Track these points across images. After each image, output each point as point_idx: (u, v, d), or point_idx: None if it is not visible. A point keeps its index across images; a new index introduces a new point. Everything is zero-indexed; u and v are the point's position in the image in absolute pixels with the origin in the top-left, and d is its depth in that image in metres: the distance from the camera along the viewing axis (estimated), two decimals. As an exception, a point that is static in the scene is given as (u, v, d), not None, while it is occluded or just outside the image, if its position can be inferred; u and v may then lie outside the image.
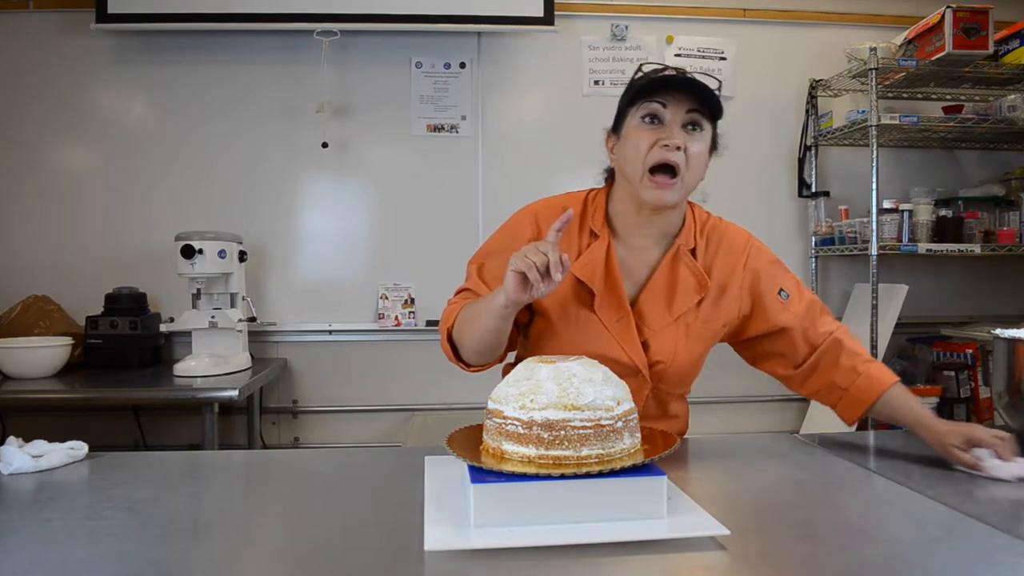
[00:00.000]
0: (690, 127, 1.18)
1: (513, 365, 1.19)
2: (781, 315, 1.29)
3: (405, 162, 2.82)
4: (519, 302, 1.05)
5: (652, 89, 1.17)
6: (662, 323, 1.24)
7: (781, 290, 1.30)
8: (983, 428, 1.11)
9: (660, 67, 1.21)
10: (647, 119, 1.18)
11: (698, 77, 1.18)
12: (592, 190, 1.34)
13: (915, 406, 1.20)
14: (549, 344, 1.25)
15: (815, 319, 1.29)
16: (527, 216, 1.30)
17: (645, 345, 1.23)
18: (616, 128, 1.26)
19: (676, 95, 1.16)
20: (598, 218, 1.27)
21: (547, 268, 1.00)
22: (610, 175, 1.34)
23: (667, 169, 1.16)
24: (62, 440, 1.15)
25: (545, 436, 0.84)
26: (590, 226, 1.27)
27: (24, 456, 1.07)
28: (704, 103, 1.17)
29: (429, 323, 2.76)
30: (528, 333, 1.31)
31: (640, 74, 1.22)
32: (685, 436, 1.40)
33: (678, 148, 1.15)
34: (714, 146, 1.24)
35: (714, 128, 1.23)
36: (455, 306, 1.24)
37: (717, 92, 1.19)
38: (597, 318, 1.22)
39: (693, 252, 1.27)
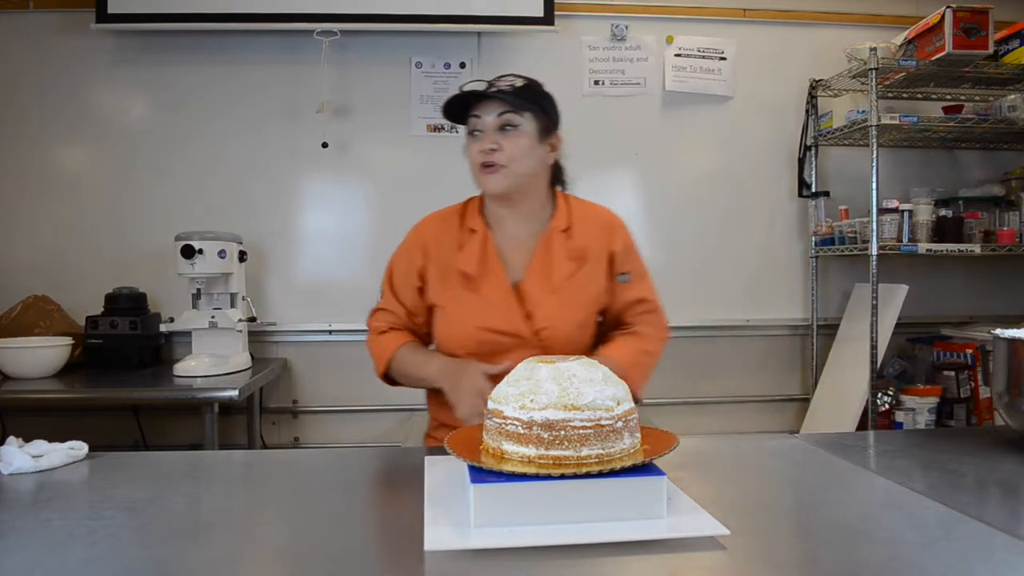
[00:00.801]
0: (505, 128, 1.35)
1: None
2: (617, 296, 1.46)
3: (405, 162, 2.82)
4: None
5: (465, 107, 1.37)
6: (542, 295, 1.39)
7: (624, 274, 1.46)
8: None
9: (478, 81, 1.39)
10: (472, 133, 1.38)
11: (505, 84, 1.36)
12: (471, 197, 1.51)
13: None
14: (447, 328, 1.43)
15: (636, 315, 1.47)
16: (413, 233, 1.50)
17: (530, 316, 1.38)
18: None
19: (486, 105, 1.36)
20: (473, 216, 1.46)
21: None
22: None
23: (488, 165, 1.35)
24: (62, 440, 1.15)
25: (545, 436, 0.84)
26: (469, 225, 1.44)
27: (24, 456, 1.07)
28: (513, 104, 1.35)
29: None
30: (432, 325, 1.49)
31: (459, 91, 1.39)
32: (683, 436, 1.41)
33: (491, 150, 1.34)
34: (546, 132, 1.40)
35: (538, 118, 1.38)
36: (386, 342, 1.45)
37: (512, 88, 1.36)
38: (481, 298, 1.39)
39: (568, 233, 1.43)
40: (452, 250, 1.42)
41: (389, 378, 1.47)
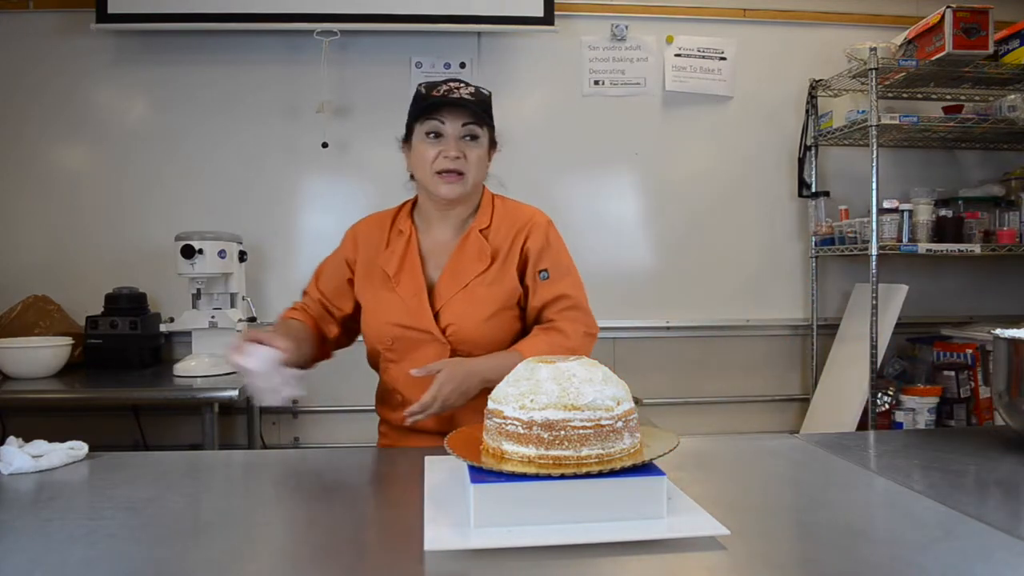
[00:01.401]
0: (467, 138, 1.39)
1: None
2: (537, 293, 1.45)
3: (404, 162, 2.81)
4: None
5: (432, 108, 1.36)
6: (451, 293, 1.41)
7: (544, 271, 1.46)
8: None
9: (438, 83, 1.39)
10: (430, 135, 1.38)
11: (468, 93, 1.37)
12: (407, 200, 1.55)
13: (478, 359, 1.37)
14: (367, 324, 1.47)
15: (557, 311, 1.45)
16: (350, 231, 1.55)
17: (438, 314, 1.40)
18: (407, 138, 1.46)
19: (452, 112, 1.36)
20: (403, 218, 1.50)
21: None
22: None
23: (453, 172, 1.38)
24: (62, 440, 1.15)
25: (545, 436, 0.84)
26: (398, 227, 1.49)
27: (24, 456, 1.07)
28: (477, 115, 1.38)
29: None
30: (357, 320, 1.52)
31: (422, 92, 1.41)
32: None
33: (457, 158, 1.37)
34: (492, 146, 1.46)
35: (491, 131, 1.43)
36: (285, 313, 1.55)
37: (478, 98, 1.38)
38: (397, 296, 1.42)
39: (486, 232, 1.46)
40: (379, 249, 1.47)
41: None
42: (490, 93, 1.45)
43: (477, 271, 1.42)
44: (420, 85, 1.42)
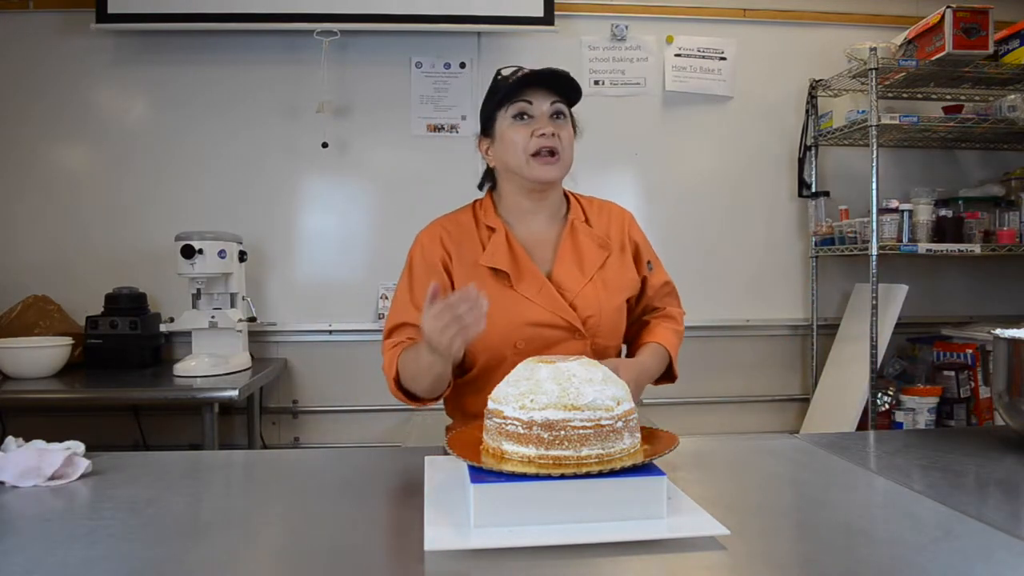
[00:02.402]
0: (555, 116, 1.33)
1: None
2: (648, 284, 1.48)
3: (405, 162, 2.82)
4: (457, 355, 1.11)
5: (518, 89, 1.30)
6: (579, 284, 1.35)
7: (649, 262, 1.49)
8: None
9: (516, 68, 1.34)
10: (518, 117, 1.32)
11: (555, 68, 1.31)
12: (476, 200, 1.47)
13: (643, 358, 1.39)
14: (488, 329, 1.17)
15: (663, 297, 1.51)
16: (425, 237, 1.40)
17: (572, 306, 1.33)
18: (487, 132, 1.39)
19: (539, 91, 1.31)
20: (490, 215, 1.40)
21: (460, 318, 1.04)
22: (487, 182, 1.48)
23: (548, 152, 1.31)
24: (61, 440, 1.15)
25: (545, 436, 0.84)
26: (486, 224, 1.39)
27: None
28: (563, 94, 1.33)
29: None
30: None
31: (501, 77, 1.36)
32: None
33: (552, 135, 1.30)
34: (574, 128, 1.40)
35: (573, 115, 1.39)
36: (392, 354, 1.31)
37: (566, 75, 1.32)
38: (519, 295, 1.32)
39: (588, 224, 1.43)
40: (475, 250, 1.36)
41: (405, 390, 1.31)
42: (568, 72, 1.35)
43: (599, 262, 1.38)
44: (498, 72, 1.37)
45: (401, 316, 1.34)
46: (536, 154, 1.30)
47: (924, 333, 2.95)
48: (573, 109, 1.39)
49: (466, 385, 1.38)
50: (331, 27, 2.62)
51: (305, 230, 2.81)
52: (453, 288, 1.34)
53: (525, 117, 1.31)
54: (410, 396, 1.31)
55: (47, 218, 2.71)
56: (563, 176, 1.36)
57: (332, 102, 2.75)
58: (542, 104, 1.31)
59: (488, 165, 1.43)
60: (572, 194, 1.49)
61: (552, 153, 1.30)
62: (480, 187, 1.49)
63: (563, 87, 1.32)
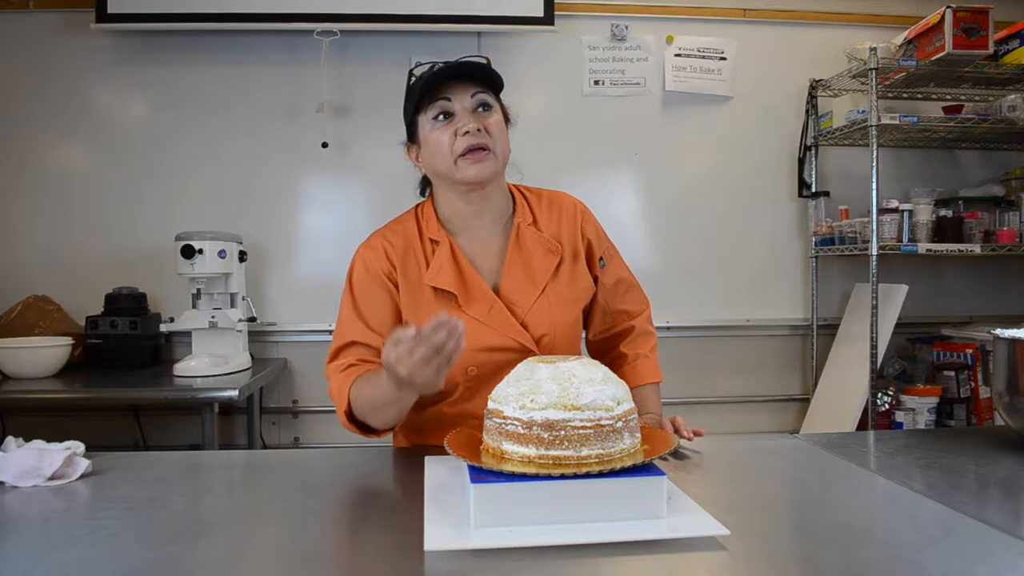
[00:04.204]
0: (480, 109, 1.22)
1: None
2: (600, 283, 1.37)
3: (405, 162, 2.80)
4: (440, 386, 0.99)
5: (434, 87, 1.20)
6: (530, 299, 1.26)
7: (601, 259, 1.37)
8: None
9: (430, 64, 1.23)
10: (439, 118, 1.21)
11: (469, 59, 1.21)
12: (418, 205, 1.37)
13: (650, 406, 1.34)
14: None
15: (620, 296, 1.39)
16: (367, 252, 1.31)
17: (524, 325, 1.25)
18: (412, 138, 1.29)
19: (457, 85, 1.20)
20: (433, 226, 1.29)
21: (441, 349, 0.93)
22: (425, 185, 1.38)
23: (476, 148, 1.19)
24: (61, 440, 1.15)
25: (545, 436, 0.84)
26: (428, 236, 1.29)
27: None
28: (484, 83, 1.22)
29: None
30: None
31: (415, 78, 1.24)
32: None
33: (478, 130, 1.19)
34: (506, 118, 1.28)
35: (500, 102, 1.27)
36: (342, 379, 1.23)
37: (482, 64, 1.22)
38: (470, 317, 1.21)
39: (536, 225, 1.32)
40: (419, 265, 1.27)
41: (356, 420, 1.24)
42: (487, 58, 1.25)
43: (549, 271, 1.28)
44: (410, 72, 1.26)
45: (348, 335, 1.26)
46: (464, 154, 1.19)
47: (924, 333, 2.95)
48: (503, 95, 1.28)
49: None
50: (331, 27, 2.62)
51: (305, 230, 2.81)
52: (399, 307, 1.27)
53: (446, 116, 1.21)
54: (363, 428, 1.23)
55: (47, 218, 2.71)
56: (499, 171, 1.24)
57: (332, 102, 2.75)
58: (463, 99, 1.20)
59: (421, 173, 1.35)
60: (518, 189, 1.38)
61: (482, 148, 1.19)
62: (422, 193, 1.40)
63: (482, 76, 1.22)
